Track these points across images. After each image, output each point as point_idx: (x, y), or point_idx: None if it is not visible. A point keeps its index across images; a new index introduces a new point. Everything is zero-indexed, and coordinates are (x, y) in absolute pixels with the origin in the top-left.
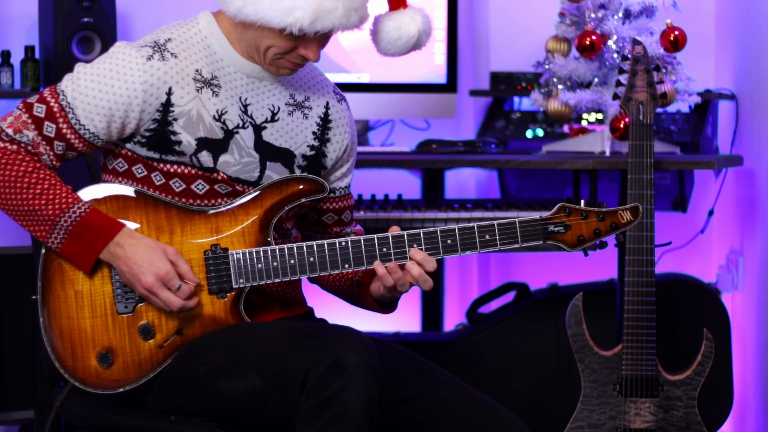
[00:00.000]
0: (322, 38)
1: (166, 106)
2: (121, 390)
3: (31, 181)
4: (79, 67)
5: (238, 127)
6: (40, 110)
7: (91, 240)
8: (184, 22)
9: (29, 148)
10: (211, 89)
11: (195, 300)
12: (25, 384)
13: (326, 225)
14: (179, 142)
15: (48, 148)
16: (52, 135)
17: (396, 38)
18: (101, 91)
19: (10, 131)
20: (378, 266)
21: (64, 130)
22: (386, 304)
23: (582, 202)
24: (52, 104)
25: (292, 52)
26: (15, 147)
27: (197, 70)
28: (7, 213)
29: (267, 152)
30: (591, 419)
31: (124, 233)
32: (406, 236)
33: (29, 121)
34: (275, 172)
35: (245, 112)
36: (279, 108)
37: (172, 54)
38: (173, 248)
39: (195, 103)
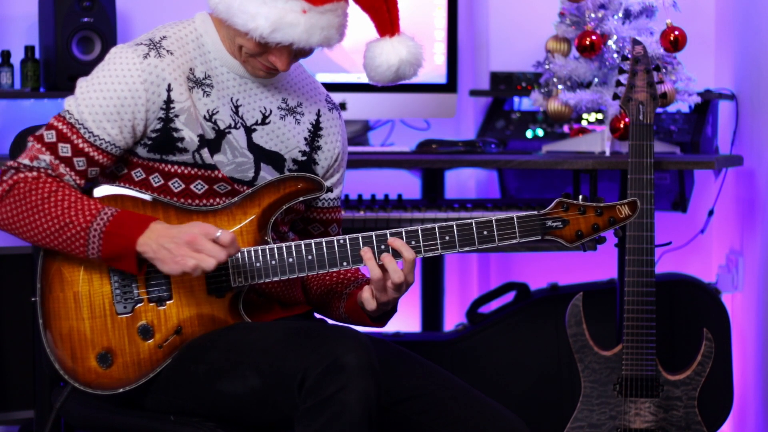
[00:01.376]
0: (290, 49)
1: (168, 102)
2: (121, 390)
3: (57, 199)
4: (80, 82)
5: (230, 127)
6: (50, 136)
7: (125, 233)
8: (180, 22)
9: (49, 171)
10: (202, 89)
11: (233, 250)
12: (25, 384)
13: (311, 235)
14: (182, 139)
15: (68, 168)
16: (69, 154)
17: (377, 65)
18: (105, 98)
19: (26, 161)
20: (365, 251)
21: (81, 145)
22: (375, 318)
23: (580, 197)
24: (60, 127)
25: (261, 56)
26: (35, 173)
27: (191, 69)
28: (39, 243)
29: (259, 154)
30: (591, 419)
31: (158, 222)
32: (404, 233)
33: (43, 148)
34: (269, 173)
35: (236, 112)
36: (271, 111)
37: (167, 51)
38: None
39: (190, 102)
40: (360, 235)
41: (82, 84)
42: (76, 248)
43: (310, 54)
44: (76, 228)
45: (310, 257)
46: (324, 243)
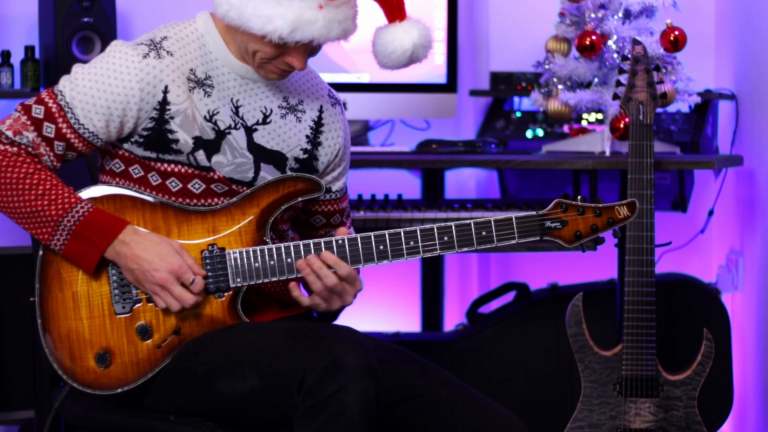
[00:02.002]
0: (307, 47)
1: (163, 104)
2: (120, 390)
3: (33, 183)
4: (76, 68)
5: (230, 127)
6: (38, 111)
7: (94, 239)
8: (182, 22)
9: (29, 149)
10: (203, 90)
11: (201, 297)
12: (25, 384)
13: (314, 227)
14: (176, 141)
15: (48, 149)
16: (52, 135)
17: (390, 51)
18: (99, 90)
19: (9, 133)
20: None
21: (64, 130)
22: (322, 314)
23: (579, 197)
24: (50, 105)
25: (277, 59)
26: (15, 149)
27: (191, 70)
28: (8, 215)
29: (260, 154)
30: (591, 419)
31: (129, 231)
32: (402, 233)
33: (28, 122)
34: (269, 173)
35: (236, 113)
36: (271, 110)
37: (168, 52)
38: (178, 242)
39: (189, 103)
40: (359, 236)
41: (78, 70)
42: (40, 234)
43: (320, 49)
44: (46, 217)
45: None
46: (323, 244)
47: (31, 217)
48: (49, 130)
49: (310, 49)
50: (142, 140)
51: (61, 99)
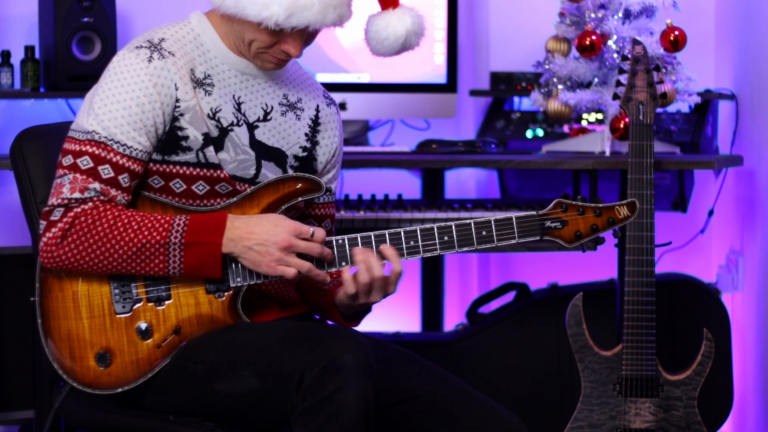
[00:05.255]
0: (303, 34)
1: (176, 101)
2: (120, 390)
3: (124, 223)
4: (92, 100)
5: (232, 124)
6: (85, 162)
7: (207, 240)
8: (175, 23)
9: (101, 198)
10: (204, 89)
11: (327, 251)
12: (25, 384)
13: None
14: (186, 137)
15: (116, 189)
16: (112, 174)
17: (384, 38)
18: (125, 108)
19: (77, 195)
20: (356, 256)
21: (120, 161)
22: (349, 316)
23: (579, 197)
24: (91, 150)
25: (274, 47)
26: (90, 204)
27: (191, 70)
28: (116, 270)
29: (261, 151)
30: (591, 419)
31: (232, 218)
32: (403, 233)
33: (85, 176)
34: (270, 171)
35: (239, 110)
36: (272, 107)
37: (169, 53)
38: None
39: (195, 100)
40: (359, 235)
41: (96, 101)
42: (155, 268)
43: (315, 38)
44: (153, 246)
45: (308, 257)
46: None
47: (138, 255)
48: (106, 171)
49: (306, 35)
50: (158, 143)
51: (98, 137)
